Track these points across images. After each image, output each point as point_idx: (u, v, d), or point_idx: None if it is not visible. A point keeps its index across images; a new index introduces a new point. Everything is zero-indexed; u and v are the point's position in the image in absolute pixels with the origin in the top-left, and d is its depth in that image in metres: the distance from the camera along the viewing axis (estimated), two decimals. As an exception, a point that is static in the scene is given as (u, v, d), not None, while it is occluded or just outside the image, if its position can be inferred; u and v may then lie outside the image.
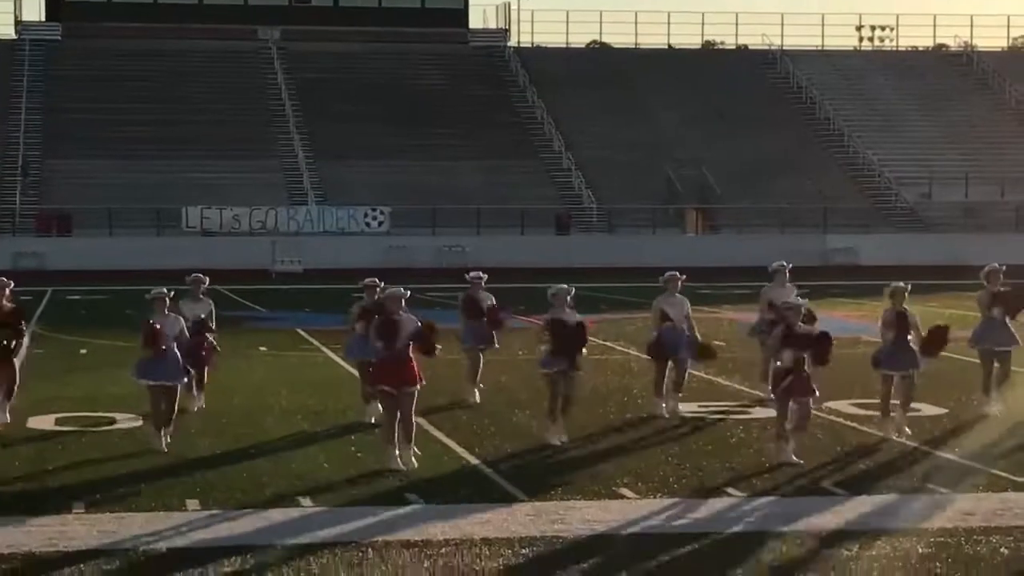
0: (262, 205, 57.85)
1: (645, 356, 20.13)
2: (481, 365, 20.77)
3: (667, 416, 18.89)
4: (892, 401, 17.76)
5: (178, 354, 16.57)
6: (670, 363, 19.19)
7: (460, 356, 21.15)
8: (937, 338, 17.79)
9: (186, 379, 17.20)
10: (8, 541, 12.38)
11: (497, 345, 20.99)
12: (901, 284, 17.67)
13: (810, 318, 18.91)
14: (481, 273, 20.94)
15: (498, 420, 18.78)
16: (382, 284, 18.80)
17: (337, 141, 63.37)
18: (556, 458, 16.26)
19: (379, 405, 18.26)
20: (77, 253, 54.10)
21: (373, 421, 18.14)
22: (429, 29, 72.52)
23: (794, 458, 15.66)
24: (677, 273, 19.39)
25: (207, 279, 19.79)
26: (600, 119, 66.65)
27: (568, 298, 17.06)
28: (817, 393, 16.34)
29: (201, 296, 19.48)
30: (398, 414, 15.50)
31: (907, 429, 17.42)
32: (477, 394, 20.43)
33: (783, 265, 20.57)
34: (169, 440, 16.61)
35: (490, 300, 20.76)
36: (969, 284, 27.50)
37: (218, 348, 19.49)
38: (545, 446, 16.94)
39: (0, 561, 11.80)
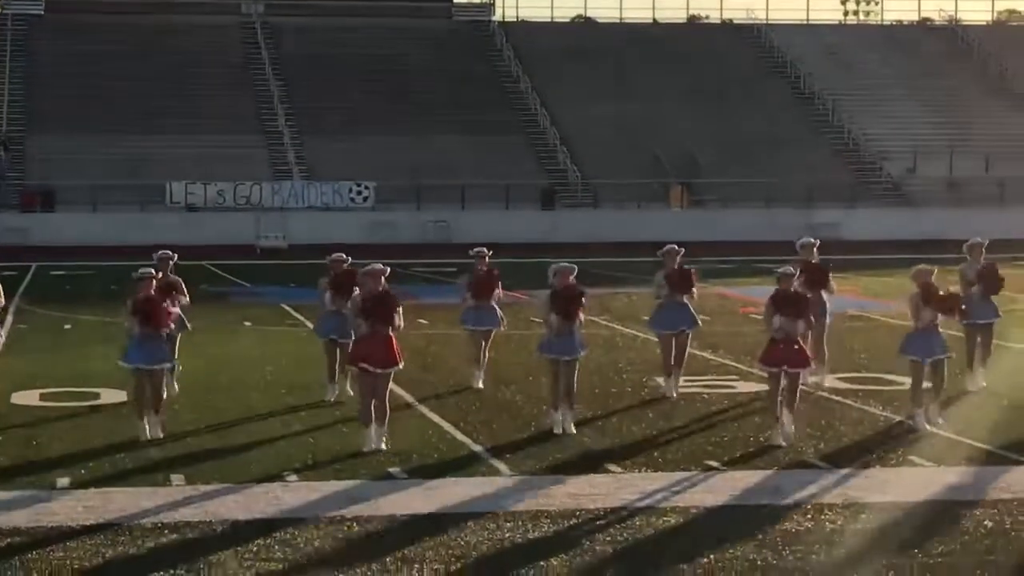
0: (246, 180, 57.74)
1: (638, 333, 20.05)
2: (486, 349, 19.52)
3: (672, 396, 18.47)
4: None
5: (164, 338, 16.09)
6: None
7: (443, 330, 21.09)
8: (952, 301, 16.83)
9: (170, 364, 16.54)
10: (-7, 516, 12.38)
11: (503, 327, 19.81)
12: (926, 266, 16.86)
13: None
14: (485, 249, 19.71)
15: (483, 395, 18.78)
16: (348, 259, 18.64)
17: (321, 116, 63.21)
18: (542, 434, 16.26)
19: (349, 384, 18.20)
20: (61, 229, 53.98)
21: (333, 400, 18.10)
22: (414, 3, 72.33)
23: (782, 440, 15.41)
24: (675, 246, 18.93)
25: (175, 255, 18.85)
26: (585, 94, 66.53)
27: (571, 277, 16.28)
28: (812, 365, 16.25)
29: (170, 275, 18.37)
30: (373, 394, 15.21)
31: (940, 420, 16.52)
32: (481, 379, 19.38)
33: (811, 241, 19.89)
34: (162, 430, 15.92)
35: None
36: (953, 259, 27.46)
37: (188, 325, 18.81)
38: (530, 421, 16.95)
39: (-15, 536, 11.80)
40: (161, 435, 15.77)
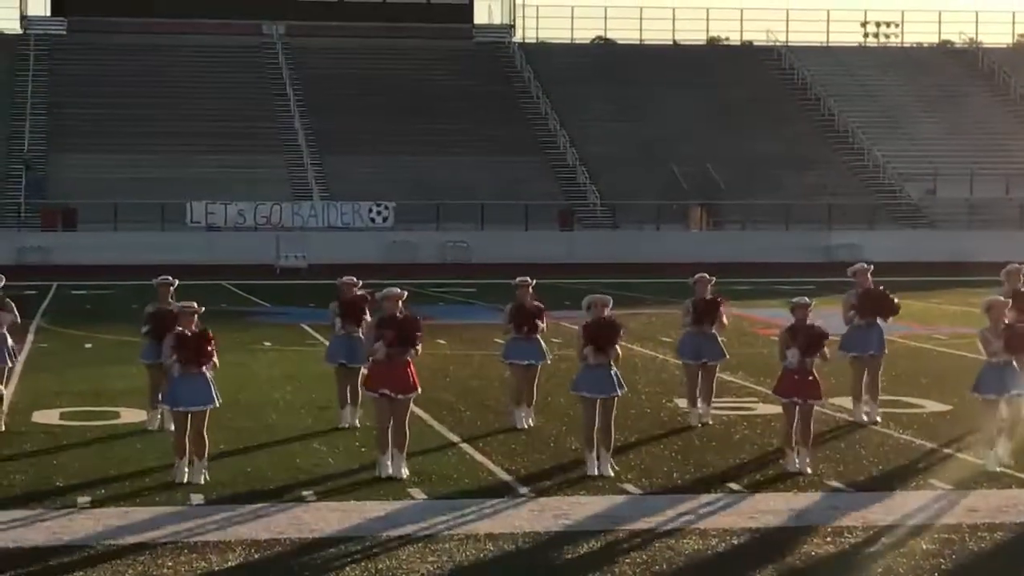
0: (267, 200, 57.88)
1: (657, 354, 19.91)
2: (536, 385, 18.31)
3: (698, 424, 18.12)
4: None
5: (208, 374, 14.89)
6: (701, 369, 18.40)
7: (461, 351, 21.07)
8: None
9: (213, 404, 14.93)
10: (13, 535, 12.40)
11: (548, 359, 18.53)
12: (1000, 298, 15.93)
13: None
14: (528, 278, 18.31)
15: (502, 416, 18.73)
16: (359, 283, 18.51)
17: (341, 136, 63.39)
18: (560, 454, 16.26)
19: (345, 408, 17.93)
20: (82, 248, 54.12)
21: (348, 425, 17.82)
22: (434, 24, 72.49)
23: (797, 466, 15.18)
24: (706, 275, 18.49)
25: (176, 281, 18.00)
26: (605, 115, 66.65)
27: (607, 310, 15.28)
28: (822, 398, 15.84)
29: (171, 301, 17.55)
30: (391, 420, 14.94)
31: (1010, 460, 15.47)
32: (530, 418, 18.14)
33: (864, 267, 18.93)
34: (207, 476, 14.69)
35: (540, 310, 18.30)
36: (973, 281, 27.52)
37: None
38: (547, 441, 16.93)
39: (6, 555, 11.83)
40: (202, 481, 14.53)
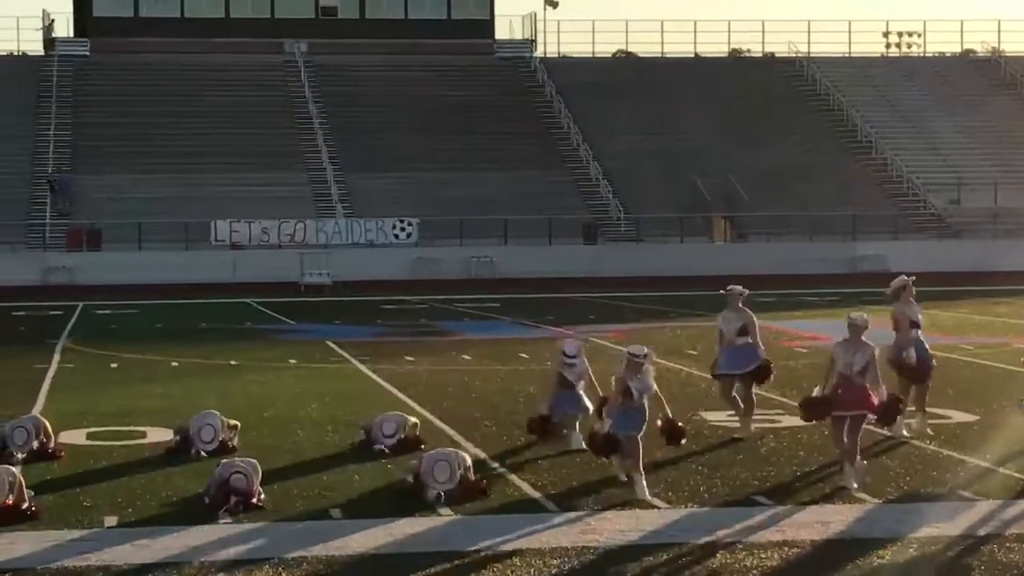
0: (290, 218, 57.99)
1: (682, 367, 19.78)
2: (575, 436, 17.42)
3: (740, 437, 17.93)
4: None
5: None
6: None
7: (487, 367, 21.05)
8: None
9: None
10: (41, 556, 12.42)
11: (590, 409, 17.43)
12: None
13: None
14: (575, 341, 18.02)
15: (527, 431, 18.70)
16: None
17: (365, 153, 63.51)
18: (587, 469, 16.23)
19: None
20: (107, 267, 54.30)
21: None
22: (455, 40, 72.61)
23: (853, 484, 14.84)
24: (737, 288, 18.33)
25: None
26: (627, 128, 66.64)
27: (648, 363, 14.95)
28: (880, 410, 15.40)
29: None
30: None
31: None
32: (582, 441, 17.08)
33: (905, 280, 18.45)
34: None
35: (576, 354, 17.66)
36: (999, 290, 27.43)
37: None
38: (574, 456, 16.90)
39: (33, 576, 11.86)
40: None
